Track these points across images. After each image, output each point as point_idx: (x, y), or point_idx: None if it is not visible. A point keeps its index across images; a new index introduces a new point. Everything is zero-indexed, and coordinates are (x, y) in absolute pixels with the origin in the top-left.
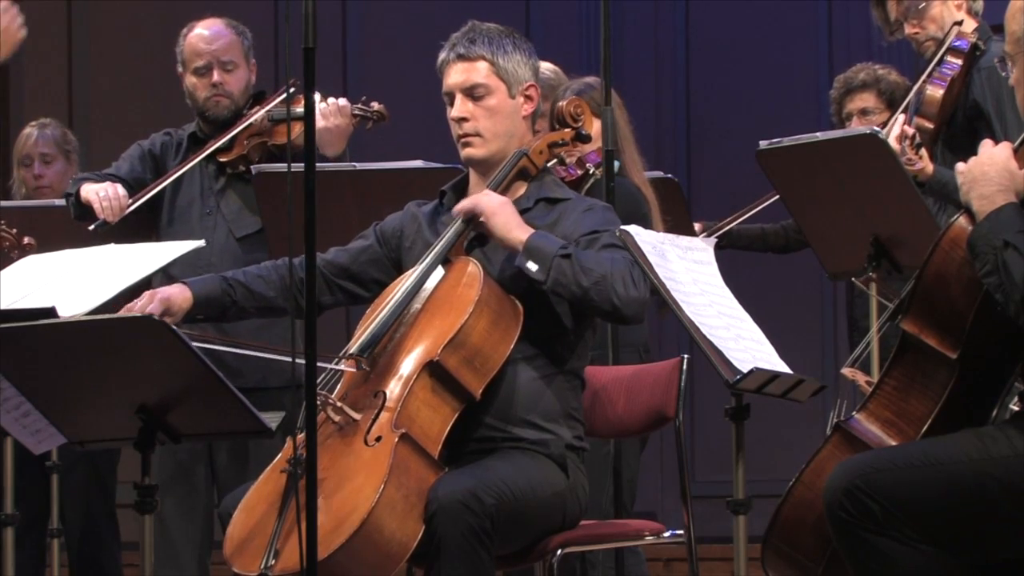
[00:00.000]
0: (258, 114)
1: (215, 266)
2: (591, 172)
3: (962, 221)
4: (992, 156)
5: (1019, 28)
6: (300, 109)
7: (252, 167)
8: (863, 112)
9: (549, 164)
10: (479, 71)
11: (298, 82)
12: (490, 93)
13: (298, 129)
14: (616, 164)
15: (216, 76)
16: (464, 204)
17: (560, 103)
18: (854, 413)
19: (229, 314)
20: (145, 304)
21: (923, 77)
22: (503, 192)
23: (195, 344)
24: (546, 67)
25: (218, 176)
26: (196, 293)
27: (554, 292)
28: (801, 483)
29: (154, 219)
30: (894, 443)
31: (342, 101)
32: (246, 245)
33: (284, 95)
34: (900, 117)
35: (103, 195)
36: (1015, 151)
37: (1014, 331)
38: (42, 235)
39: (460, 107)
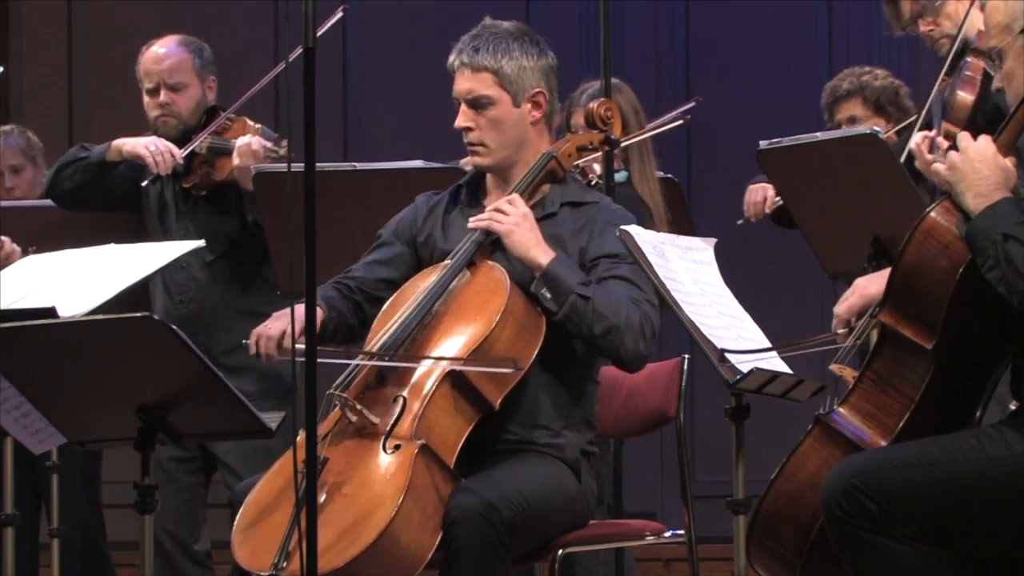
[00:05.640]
0: (198, 142)
1: (194, 288)
2: (594, 182)
3: (936, 212)
4: (980, 152)
5: (1004, 17)
6: (236, 141)
7: (252, 167)
8: (851, 120)
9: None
10: (482, 82)
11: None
12: (493, 104)
13: (230, 165)
14: (623, 175)
15: (163, 96)
16: (480, 222)
17: (591, 105)
18: (836, 407)
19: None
20: (280, 326)
21: (940, 80)
22: (530, 195)
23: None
24: None
25: (185, 200)
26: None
27: (562, 325)
28: (782, 476)
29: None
30: (874, 435)
31: (255, 144)
32: (218, 267)
33: (213, 127)
34: (918, 136)
35: (154, 148)
36: (995, 140)
37: (992, 322)
38: (40, 235)
39: (463, 117)
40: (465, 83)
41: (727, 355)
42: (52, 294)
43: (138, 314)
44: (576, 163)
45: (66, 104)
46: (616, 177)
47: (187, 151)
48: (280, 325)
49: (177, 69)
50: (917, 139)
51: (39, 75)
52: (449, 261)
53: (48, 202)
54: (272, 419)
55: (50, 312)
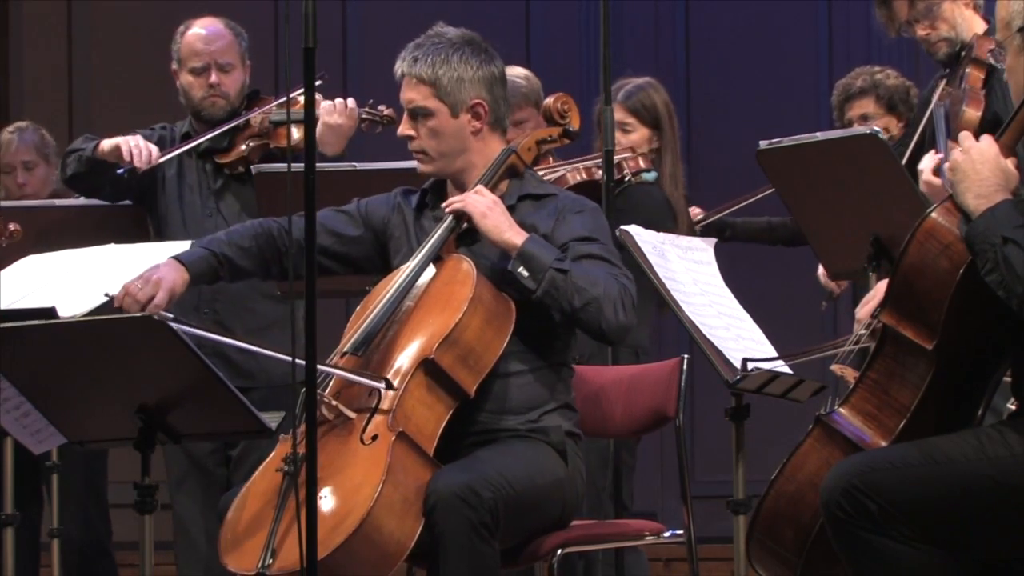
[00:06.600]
0: (256, 116)
1: None
2: (627, 178)
3: (937, 213)
4: (983, 152)
5: (1007, 14)
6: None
7: (252, 167)
8: (863, 118)
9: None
10: (420, 92)
11: (326, 75)
12: (432, 115)
13: (301, 132)
14: (654, 175)
15: (214, 77)
16: (454, 204)
17: (547, 100)
18: (837, 407)
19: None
20: (148, 292)
21: (940, 89)
22: (491, 189)
23: (193, 330)
24: (518, 73)
25: (216, 177)
26: (193, 276)
27: (542, 302)
28: (782, 476)
29: (154, 221)
30: (874, 436)
31: (351, 102)
32: None
33: (284, 98)
34: (929, 156)
35: (133, 143)
36: (997, 141)
37: (993, 323)
38: (41, 235)
39: (404, 125)
40: (406, 93)
41: (748, 364)
42: (52, 294)
43: (138, 314)
44: (536, 157)
45: (66, 104)
46: (646, 177)
47: (165, 159)
48: (148, 292)
49: (228, 50)
50: (929, 164)
51: (39, 75)
52: (413, 261)
53: (47, 202)
54: (272, 419)
55: (50, 312)
